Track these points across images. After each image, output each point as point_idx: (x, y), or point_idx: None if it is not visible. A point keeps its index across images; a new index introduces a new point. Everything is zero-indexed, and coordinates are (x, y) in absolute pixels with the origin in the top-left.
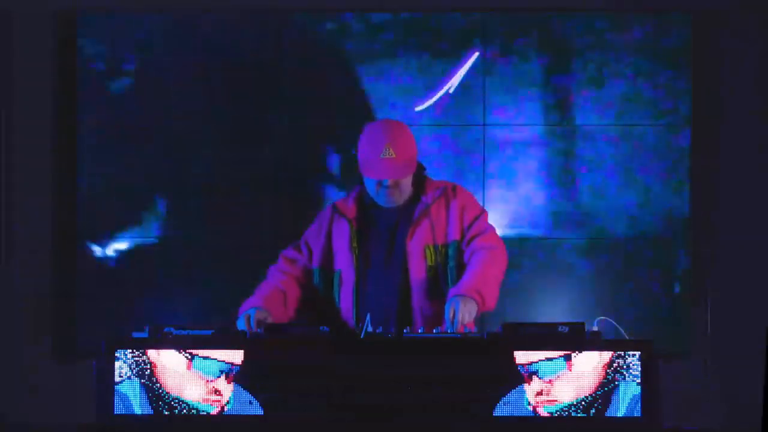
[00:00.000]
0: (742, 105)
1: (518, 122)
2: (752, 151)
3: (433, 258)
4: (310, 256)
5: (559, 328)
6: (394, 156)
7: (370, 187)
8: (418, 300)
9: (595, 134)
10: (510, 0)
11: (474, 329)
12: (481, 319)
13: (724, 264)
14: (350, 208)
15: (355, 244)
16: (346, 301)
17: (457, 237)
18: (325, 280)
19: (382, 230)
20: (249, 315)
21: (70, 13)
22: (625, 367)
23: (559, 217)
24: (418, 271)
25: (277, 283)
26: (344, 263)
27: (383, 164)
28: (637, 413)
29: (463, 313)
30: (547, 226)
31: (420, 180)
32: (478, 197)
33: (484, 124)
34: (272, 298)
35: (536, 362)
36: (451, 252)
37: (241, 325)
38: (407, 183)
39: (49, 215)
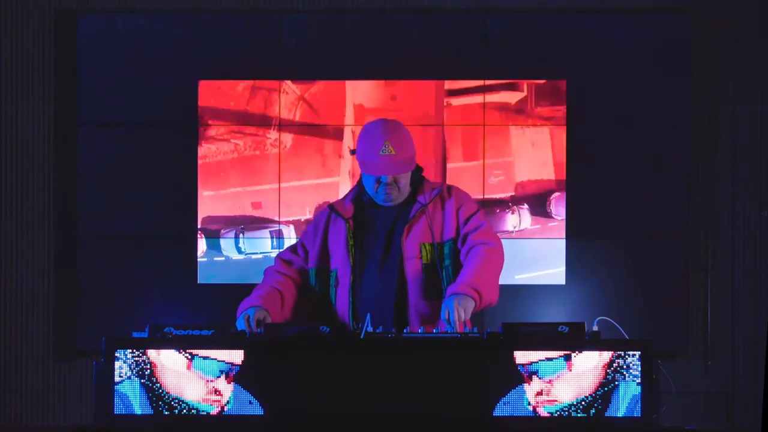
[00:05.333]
0: (742, 104)
1: (519, 122)
2: (751, 151)
3: (428, 257)
4: (306, 256)
5: (559, 328)
6: (393, 153)
7: (369, 185)
8: (414, 299)
9: (594, 134)
10: (510, 0)
11: (473, 327)
12: (481, 319)
13: (724, 264)
14: (347, 208)
15: (351, 243)
16: (342, 301)
17: (453, 235)
18: (322, 280)
19: (378, 230)
20: (248, 315)
21: (70, 13)
22: (625, 367)
23: (559, 217)
24: (413, 270)
25: (274, 284)
26: (340, 263)
27: (382, 161)
28: (637, 413)
29: (459, 312)
30: (548, 225)
31: (417, 181)
32: (477, 198)
33: (484, 124)
34: (270, 298)
35: (536, 362)
36: (446, 250)
37: (240, 325)
38: (406, 181)
39: (49, 215)
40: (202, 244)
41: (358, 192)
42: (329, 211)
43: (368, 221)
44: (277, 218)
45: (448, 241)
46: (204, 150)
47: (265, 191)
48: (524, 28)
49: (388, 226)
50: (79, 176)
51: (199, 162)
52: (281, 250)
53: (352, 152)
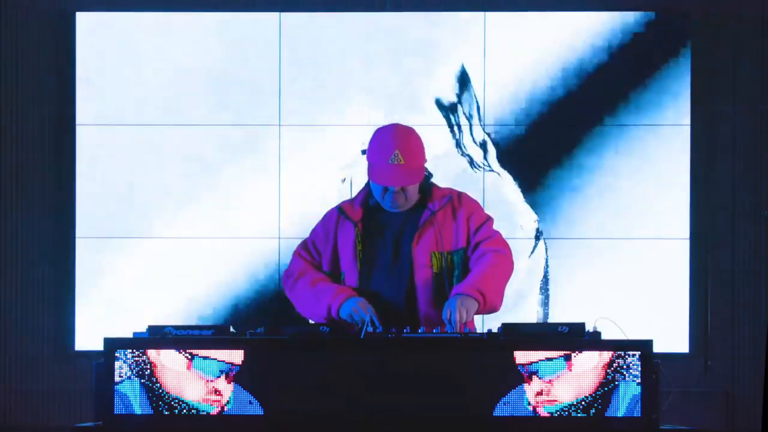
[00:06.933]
0: (742, 104)
1: (519, 122)
2: (751, 151)
3: (438, 265)
4: (320, 259)
5: (559, 328)
6: (402, 163)
7: (377, 191)
8: (423, 307)
9: (595, 134)
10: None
11: (474, 328)
12: (481, 319)
13: (724, 264)
14: (356, 211)
15: (359, 248)
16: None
17: (464, 244)
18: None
19: (387, 235)
20: (363, 303)
21: (69, 12)
22: (625, 367)
23: (559, 217)
24: (423, 277)
25: (328, 279)
26: (348, 266)
27: (391, 170)
28: (637, 413)
29: (461, 312)
30: (548, 225)
31: (427, 187)
32: (478, 198)
33: (483, 124)
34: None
35: (536, 362)
36: (456, 260)
37: (351, 309)
38: (414, 189)
39: (49, 215)
40: (201, 248)
41: (366, 195)
42: (338, 213)
43: (376, 226)
44: (277, 225)
45: (458, 250)
46: (205, 154)
47: (265, 197)
48: (522, 27)
49: (397, 232)
50: (79, 176)
51: (201, 166)
52: (297, 247)
53: (363, 152)
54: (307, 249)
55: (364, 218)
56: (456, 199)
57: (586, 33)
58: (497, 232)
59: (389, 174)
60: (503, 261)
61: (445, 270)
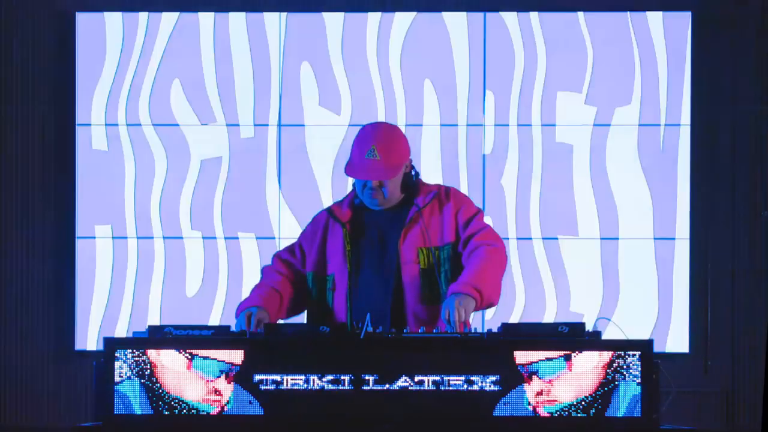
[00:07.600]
0: (742, 104)
1: (518, 122)
2: (751, 151)
3: (425, 261)
4: (303, 260)
5: (559, 328)
6: (377, 158)
7: (357, 187)
8: (411, 304)
9: (594, 134)
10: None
11: (473, 327)
12: (481, 319)
13: (724, 264)
14: (344, 213)
15: (348, 248)
16: (339, 306)
17: (452, 239)
18: (318, 284)
19: (374, 234)
20: (251, 312)
21: (70, 13)
22: (625, 367)
23: (559, 217)
24: (410, 274)
25: (273, 284)
26: (337, 267)
27: (366, 165)
28: (637, 413)
29: (459, 311)
30: (547, 225)
31: (413, 184)
32: (477, 198)
33: (484, 125)
34: (270, 298)
35: (536, 362)
36: (443, 255)
37: (240, 323)
38: (393, 187)
39: (49, 215)
40: (200, 248)
41: (354, 195)
42: (327, 215)
43: (364, 225)
44: (277, 223)
45: (446, 246)
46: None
47: (265, 195)
48: (524, 27)
49: (384, 230)
50: (79, 176)
51: (200, 164)
52: (279, 249)
53: None
54: (291, 251)
55: (353, 218)
56: (443, 194)
57: (587, 32)
58: (488, 225)
59: (362, 168)
60: (496, 255)
61: (434, 266)
